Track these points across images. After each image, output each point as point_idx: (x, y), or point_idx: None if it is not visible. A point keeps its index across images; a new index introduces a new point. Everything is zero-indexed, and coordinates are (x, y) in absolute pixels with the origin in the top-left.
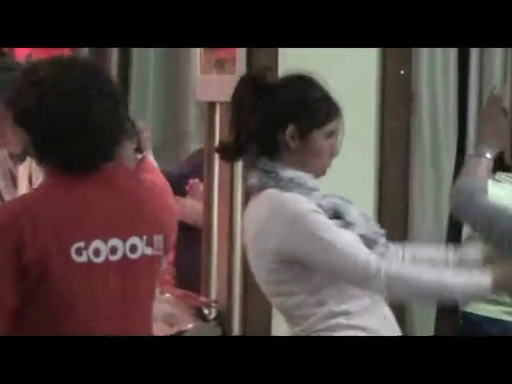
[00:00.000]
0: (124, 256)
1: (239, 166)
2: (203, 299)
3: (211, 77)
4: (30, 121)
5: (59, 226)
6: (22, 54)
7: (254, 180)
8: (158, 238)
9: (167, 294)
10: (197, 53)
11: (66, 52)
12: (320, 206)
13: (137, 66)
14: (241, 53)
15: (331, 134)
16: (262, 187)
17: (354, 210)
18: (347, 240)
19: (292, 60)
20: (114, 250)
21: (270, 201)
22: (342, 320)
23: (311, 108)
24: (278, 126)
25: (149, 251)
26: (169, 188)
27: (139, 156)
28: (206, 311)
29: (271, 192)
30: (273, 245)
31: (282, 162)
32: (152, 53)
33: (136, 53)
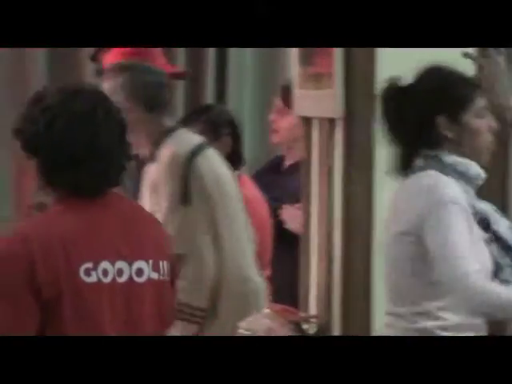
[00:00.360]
0: (130, 279)
1: (337, 176)
2: (302, 314)
3: (308, 92)
4: (39, 147)
5: (68, 248)
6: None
7: (416, 164)
8: (163, 264)
9: (267, 309)
10: (293, 66)
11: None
12: (472, 205)
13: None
14: (338, 67)
15: (480, 112)
16: (422, 168)
17: (504, 222)
18: (467, 247)
19: (391, 73)
20: (120, 273)
21: (425, 179)
22: (435, 329)
23: (452, 94)
24: (429, 121)
25: (155, 276)
26: (264, 204)
27: (236, 172)
28: (305, 326)
29: (430, 173)
30: (407, 218)
31: (444, 151)
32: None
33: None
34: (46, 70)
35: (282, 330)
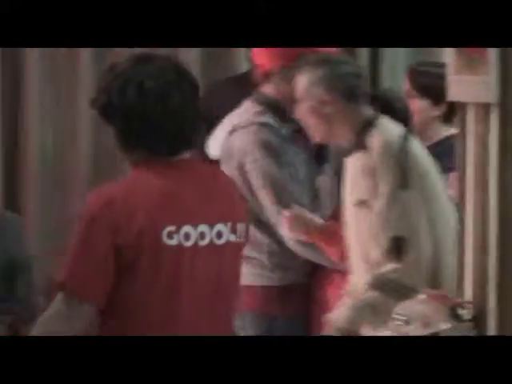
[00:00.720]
0: (211, 242)
1: (492, 161)
2: (457, 299)
3: (462, 77)
4: (113, 113)
5: (152, 212)
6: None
7: None
8: (241, 226)
9: (422, 295)
10: (447, 52)
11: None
12: None
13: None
14: (493, 54)
15: None
16: None
17: None
18: None
19: None
20: (202, 236)
21: None
22: None
23: None
24: None
25: (233, 238)
26: None
27: None
28: (460, 312)
29: None
30: None
31: None
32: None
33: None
34: (200, 72)
35: (437, 316)
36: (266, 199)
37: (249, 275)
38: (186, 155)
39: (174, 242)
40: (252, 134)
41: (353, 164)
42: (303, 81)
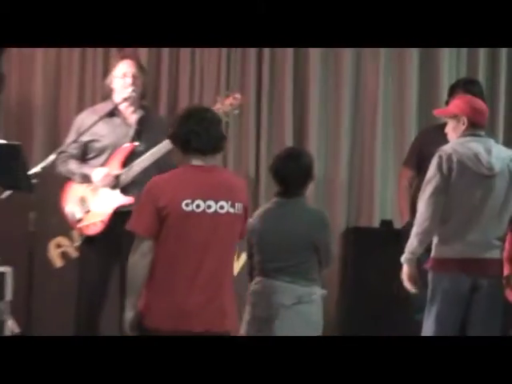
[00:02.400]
0: (216, 211)
1: None
2: None
3: None
4: (178, 137)
5: (176, 190)
6: None
7: None
8: (238, 204)
9: None
10: None
11: None
12: None
13: None
14: None
15: None
16: None
17: None
18: None
19: None
20: (209, 207)
21: None
22: None
23: None
24: None
25: (232, 210)
26: None
27: None
28: None
29: None
30: None
31: None
32: None
33: None
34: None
35: None
36: None
37: None
38: (214, 163)
39: (189, 208)
40: None
41: None
42: None
